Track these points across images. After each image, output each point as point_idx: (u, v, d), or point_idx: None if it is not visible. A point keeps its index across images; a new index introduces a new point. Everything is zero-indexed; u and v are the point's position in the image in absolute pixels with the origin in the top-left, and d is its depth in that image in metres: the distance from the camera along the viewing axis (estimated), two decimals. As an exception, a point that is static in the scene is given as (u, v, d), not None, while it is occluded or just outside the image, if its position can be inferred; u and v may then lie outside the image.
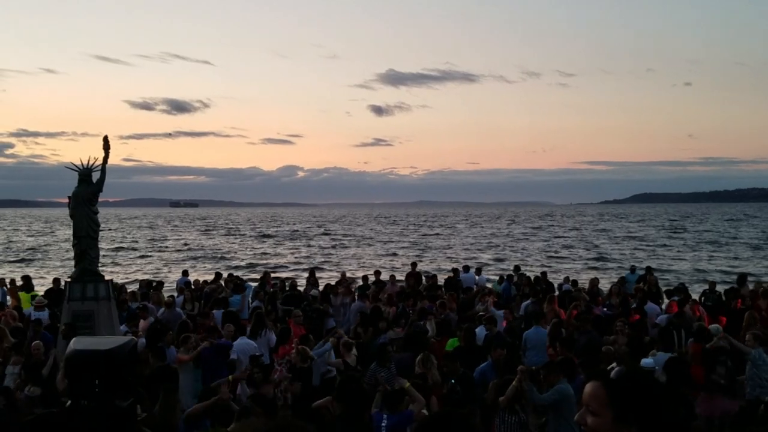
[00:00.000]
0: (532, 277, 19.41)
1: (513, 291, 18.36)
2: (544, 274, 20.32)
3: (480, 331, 11.95)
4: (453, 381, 8.60)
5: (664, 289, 19.18)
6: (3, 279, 18.91)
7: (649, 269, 20.98)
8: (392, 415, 7.24)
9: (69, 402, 4.11)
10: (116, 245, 66.65)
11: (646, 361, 8.94)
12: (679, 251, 54.46)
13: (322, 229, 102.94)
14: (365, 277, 20.28)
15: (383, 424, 7.11)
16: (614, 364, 8.91)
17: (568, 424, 7.44)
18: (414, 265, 22.07)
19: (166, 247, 66.68)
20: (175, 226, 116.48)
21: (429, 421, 2.38)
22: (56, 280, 18.51)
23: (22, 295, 17.36)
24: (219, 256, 54.86)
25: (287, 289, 17.82)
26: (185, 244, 69.46)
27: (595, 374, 2.33)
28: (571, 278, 19.92)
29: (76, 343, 4.34)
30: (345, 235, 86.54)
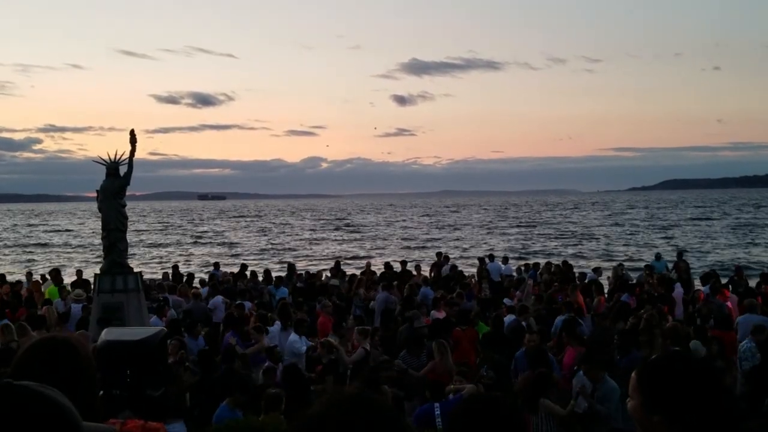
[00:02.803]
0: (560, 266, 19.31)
1: (538, 280, 18.29)
2: (565, 263, 20.17)
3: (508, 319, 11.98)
4: (485, 367, 8.61)
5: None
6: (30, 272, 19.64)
7: (680, 255, 20.77)
8: (444, 402, 7.31)
9: (101, 392, 4.15)
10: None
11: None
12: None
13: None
14: (389, 266, 20.31)
15: (437, 413, 7.14)
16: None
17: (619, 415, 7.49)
18: (439, 255, 22.07)
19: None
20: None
21: (472, 404, 2.33)
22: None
23: (51, 289, 17.56)
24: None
25: (312, 280, 17.94)
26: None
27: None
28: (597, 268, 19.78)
29: (107, 334, 4.39)
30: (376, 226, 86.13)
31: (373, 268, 20.68)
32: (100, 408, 2.64)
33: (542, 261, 21.71)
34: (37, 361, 2.18)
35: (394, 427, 1.50)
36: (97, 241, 55.80)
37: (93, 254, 50.93)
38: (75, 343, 2.29)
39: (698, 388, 2.04)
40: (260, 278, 18.91)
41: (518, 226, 77.50)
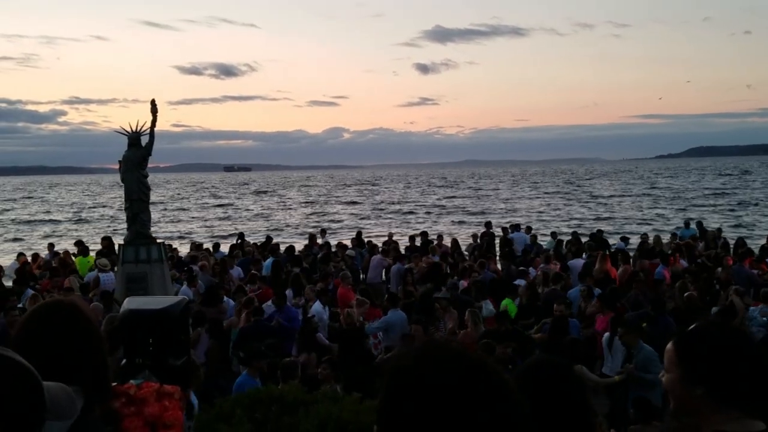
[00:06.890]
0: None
1: (564, 249, 18.15)
2: (600, 231, 20.10)
3: None
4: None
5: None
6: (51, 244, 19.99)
7: (700, 224, 20.52)
8: None
9: (124, 361, 4.19)
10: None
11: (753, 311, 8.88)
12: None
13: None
14: (412, 238, 20.26)
15: None
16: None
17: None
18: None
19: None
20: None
21: (538, 367, 2.28)
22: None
23: (78, 260, 17.66)
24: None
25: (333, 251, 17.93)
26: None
27: (678, 332, 2.22)
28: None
29: (129, 303, 4.40)
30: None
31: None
32: (115, 372, 2.70)
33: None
34: (40, 324, 2.23)
35: (499, 386, 1.38)
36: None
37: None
38: (81, 306, 2.35)
39: (742, 358, 2.01)
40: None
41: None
